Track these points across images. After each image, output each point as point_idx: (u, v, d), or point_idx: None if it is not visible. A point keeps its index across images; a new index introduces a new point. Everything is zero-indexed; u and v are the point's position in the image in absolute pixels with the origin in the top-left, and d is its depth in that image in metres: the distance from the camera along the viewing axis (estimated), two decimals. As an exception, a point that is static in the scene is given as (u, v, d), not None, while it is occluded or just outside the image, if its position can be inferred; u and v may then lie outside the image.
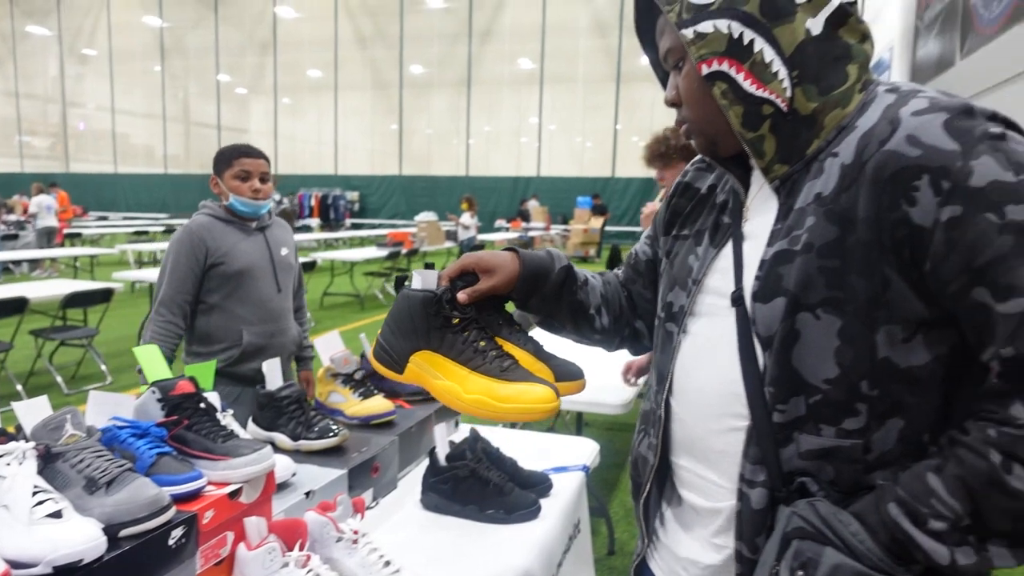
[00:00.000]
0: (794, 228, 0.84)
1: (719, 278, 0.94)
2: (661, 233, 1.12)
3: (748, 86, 0.85)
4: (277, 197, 12.62)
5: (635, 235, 19.47)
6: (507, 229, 17.66)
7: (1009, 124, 0.77)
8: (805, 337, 0.83)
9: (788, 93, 0.84)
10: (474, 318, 1.01)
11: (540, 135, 22.58)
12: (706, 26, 0.85)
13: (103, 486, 1.02)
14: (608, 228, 18.76)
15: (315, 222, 21.27)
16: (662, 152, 2.78)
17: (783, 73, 0.83)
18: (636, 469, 1.07)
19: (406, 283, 1.05)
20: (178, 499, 1.08)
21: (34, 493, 0.95)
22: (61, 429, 1.08)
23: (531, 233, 15.64)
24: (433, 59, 23.30)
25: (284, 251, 2.60)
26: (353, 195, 23.91)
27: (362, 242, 15.62)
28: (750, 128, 0.86)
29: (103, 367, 5.79)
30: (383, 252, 10.41)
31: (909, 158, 0.76)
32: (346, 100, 24.42)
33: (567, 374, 1.05)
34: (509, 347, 1.04)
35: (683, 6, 0.86)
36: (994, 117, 0.77)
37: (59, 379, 5.44)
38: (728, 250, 0.94)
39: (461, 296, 1.01)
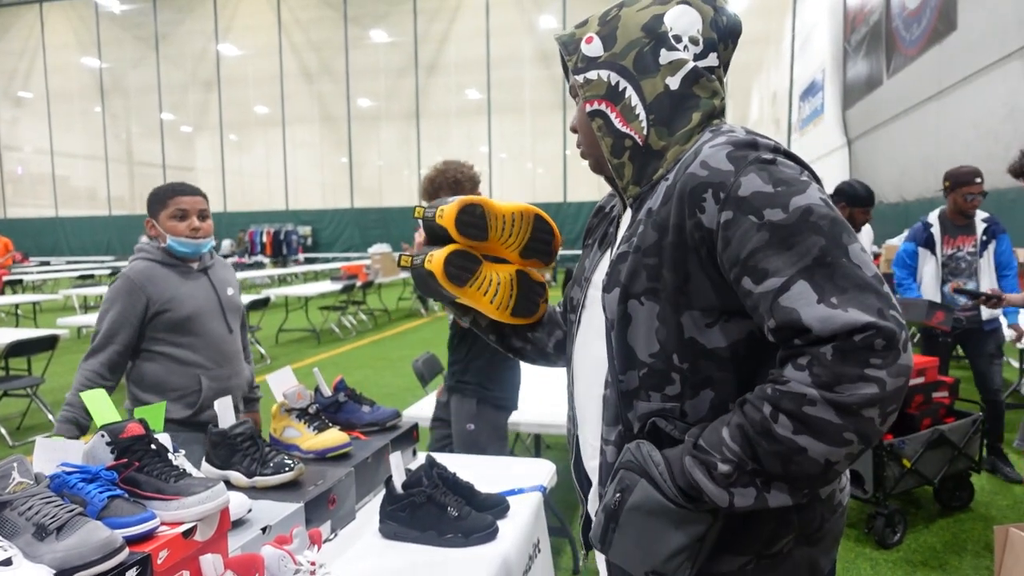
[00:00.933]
0: (632, 235, 1.06)
1: (600, 275, 1.14)
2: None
3: (617, 123, 1.08)
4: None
5: (589, 258, 19.66)
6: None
7: (788, 155, 0.98)
8: (635, 320, 1.03)
9: (644, 132, 1.06)
10: None
11: (491, 163, 22.77)
12: (593, 74, 1.09)
13: (53, 532, 1.01)
14: (562, 252, 18.96)
15: (267, 259, 20.97)
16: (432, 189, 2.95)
17: (643, 116, 1.06)
18: (568, 441, 1.27)
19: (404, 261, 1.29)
20: (131, 540, 1.09)
21: (-18, 542, 0.95)
22: (8, 478, 1.08)
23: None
24: (380, 92, 23.38)
25: (230, 291, 2.53)
26: (305, 230, 23.66)
27: (316, 276, 15.47)
28: (615, 156, 1.09)
29: (50, 416, 5.60)
30: (337, 286, 10.34)
31: (700, 177, 0.97)
32: (294, 134, 24.27)
33: None
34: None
35: (579, 56, 1.11)
36: (775, 149, 0.98)
37: (3, 431, 5.25)
38: (609, 253, 1.15)
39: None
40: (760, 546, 1.02)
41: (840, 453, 0.87)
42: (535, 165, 22.78)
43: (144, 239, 2.46)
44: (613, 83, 1.07)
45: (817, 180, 0.99)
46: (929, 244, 3.99)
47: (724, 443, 0.92)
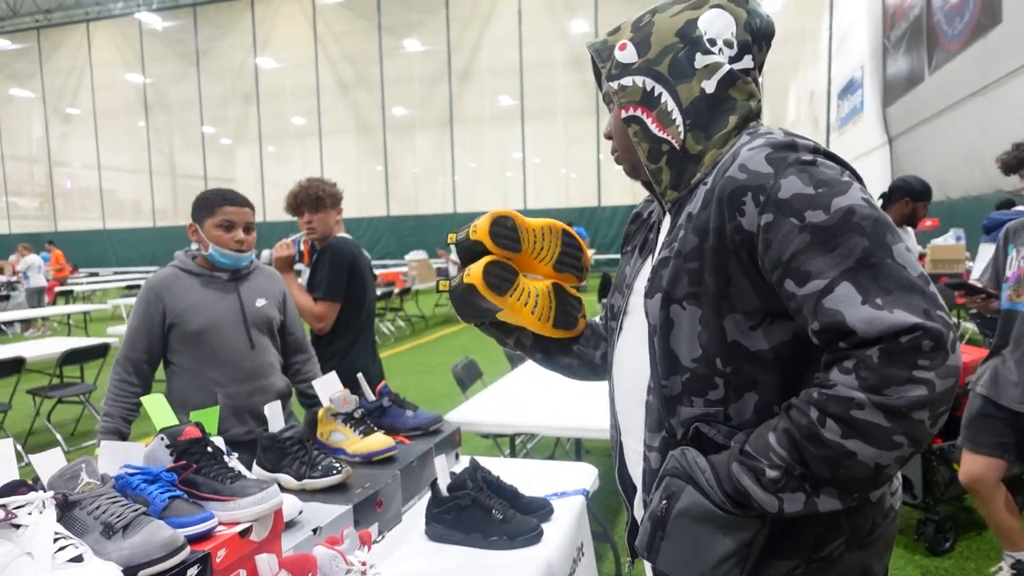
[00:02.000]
0: (673, 240, 1.05)
1: (641, 281, 1.15)
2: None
3: (654, 128, 1.08)
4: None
5: (624, 262, 19.55)
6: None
7: (828, 155, 0.97)
8: (677, 324, 1.03)
9: (681, 136, 1.06)
10: None
11: (524, 169, 22.83)
12: (627, 80, 1.09)
13: (120, 530, 1.06)
14: (597, 256, 18.89)
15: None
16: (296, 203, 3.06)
17: (679, 120, 1.06)
18: (612, 447, 1.26)
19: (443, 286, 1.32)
20: (191, 539, 1.13)
21: (55, 540, 1.00)
22: (77, 478, 1.13)
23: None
24: (415, 100, 23.63)
25: (261, 302, 2.39)
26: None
27: (353, 284, 15.68)
28: (653, 161, 1.09)
29: (100, 423, 5.78)
30: (376, 293, 10.45)
31: (739, 180, 0.96)
32: (331, 145, 24.66)
33: None
34: None
35: (613, 63, 1.11)
36: (814, 150, 0.97)
37: (59, 436, 5.43)
38: (650, 259, 1.15)
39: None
40: (808, 550, 1.01)
41: (890, 456, 0.86)
42: (568, 170, 22.77)
43: (192, 247, 2.46)
44: (648, 88, 1.07)
45: (859, 180, 0.97)
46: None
47: (771, 448, 0.92)
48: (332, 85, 24.33)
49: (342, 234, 3.11)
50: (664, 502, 0.99)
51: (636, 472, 1.16)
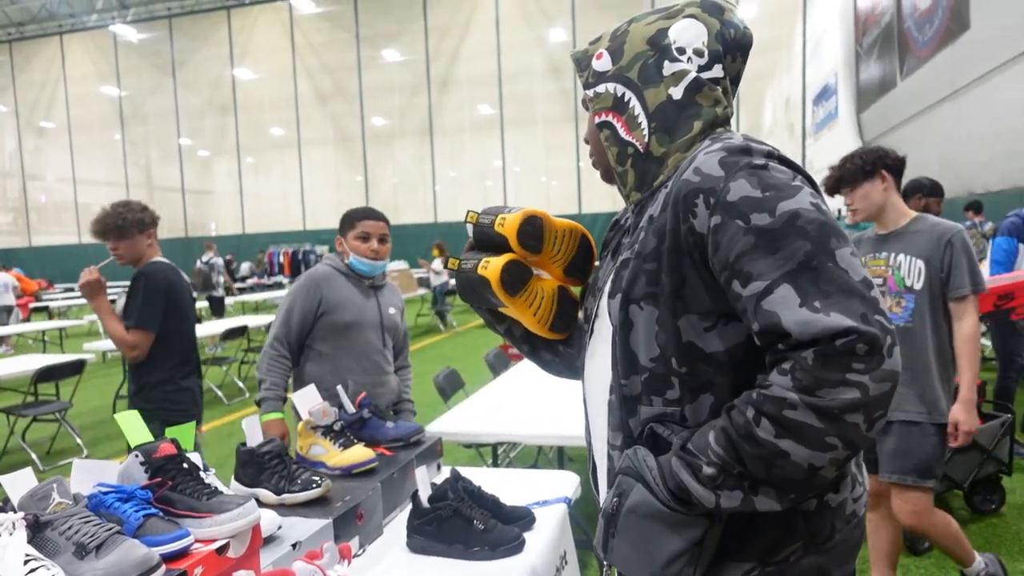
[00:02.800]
0: (634, 242, 1.08)
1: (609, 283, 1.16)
2: None
3: (622, 132, 1.12)
4: (207, 257, 12.38)
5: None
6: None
7: (782, 160, 1.00)
8: (636, 325, 1.05)
9: (646, 139, 1.10)
10: None
11: (505, 177, 22.89)
12: (601, 88, 1.14)
13: (93, 550, 1.04)
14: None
15: (286, 279, 21.16)
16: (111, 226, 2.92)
17: (645, 124, 1.10)
18: (587, 450, 1.27)
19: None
20: (167, 558, 1.11)
21: (26, 562, 0.98)
22: (48, 498, 1.11)
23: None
24: (394, 110, 23.62)
25: (392, 311, 2.76)
26: (323, 249, 23.87)
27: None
28: (620, 164, 1.13)
29: (78, 440, 5.69)
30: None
31: (692, 183, 0.99)
32: (310, 156, 24.57)
33: None
34: None
35: (590, 72, 1.16)
36: (768, 155, 0.99)
37: (33, 456, 5.33)
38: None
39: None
40: (764, 553, 1.01)
41: (824, 458, 0.87)
42: (549, 178, 22.85)
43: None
44: (619, 95, 1.11)
45: (813, 185, 0.99)
46: None
47: (710, 446, 0.93)
48: (310, 96, 24.26)
49: (158, 258, 3.00)
50: (615, 500, 1.01)
51: (603, 471, 1.17)
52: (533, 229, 1.27)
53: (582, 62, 1.17)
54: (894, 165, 2.46)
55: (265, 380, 2.57)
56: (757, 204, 0.93)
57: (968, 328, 2.35)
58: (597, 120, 1.14)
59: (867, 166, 2.45)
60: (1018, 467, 3.92)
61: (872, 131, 13.54)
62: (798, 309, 0.87)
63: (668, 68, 1.08)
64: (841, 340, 0.84)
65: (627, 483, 1.00)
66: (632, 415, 1.07)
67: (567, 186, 22.23)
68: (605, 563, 1.23)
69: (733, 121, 1.15)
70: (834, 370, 0.84)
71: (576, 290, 1.37)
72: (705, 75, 1.09)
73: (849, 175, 2.48)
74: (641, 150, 1.10)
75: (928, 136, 10.42)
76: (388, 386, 2.73)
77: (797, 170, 1.00)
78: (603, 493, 1.18)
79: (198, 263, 12.79)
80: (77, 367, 5.63)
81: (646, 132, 1.09)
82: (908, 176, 2.69)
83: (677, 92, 1.08)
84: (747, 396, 0.92)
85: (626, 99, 1.11)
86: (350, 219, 2.68)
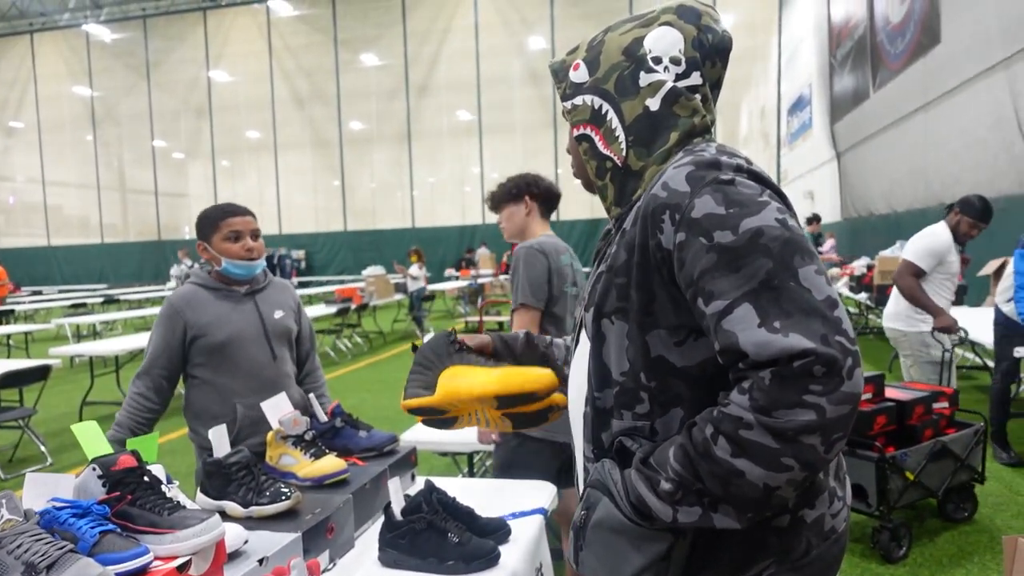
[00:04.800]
0: (608, 255, 1.07)
1: None
2: None
3: (600, 146, 1.10)
4: (188, 264, 12.09)
5: (584, 275, 19.69)
6: (457, 278, 17.68)
7: (752, 174, 0.97)
8: (607, 338, 1.05)
9: (624, 153, 1.08)
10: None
11: (483, 183, 22.87)
12: (579, 100, 1.12)
13: (43, 570, 0.99)
14: (556, 270, 18.95)
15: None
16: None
17: (623, 138, 1.08)
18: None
19: (417, 343, 1.38)
20: (124, 577, 1.06)
21: (-31, 584, 0.92)
22: (-4, 515, 1.05)
23: (480, 280, 15.68)
24: (372, 115, 23.51)
25: (279, 314, 2.46)
26: (299, 253, 23.67)
27: (311, 300, 15.43)
28: (599, 178, 1.12)
29: (43, 448, 5.53)
30: (332, 309, 10.30)
31: (660, 198, 0.97)
32: (287, 159, 24.36)
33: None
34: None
35: (567, 83, 1.14)
36: (737, 169, 0.97)
37: (-6, 465, 5.18)
38: None
39: (467, 341, 1.37)
40: (735, 570, 1.01)
41: (780, 479, 0.86)
42: (527, 184, 22.87)
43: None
44: (596, 107, 1.10)
45: (783, 199, 0.98)
46: None
47: (668, 462, 0.93)
48: (287, 99, 24.07)
49: None
50: (583, 512, 1.01)
51: (581, 483, 1.17)
52: (434, 420, 1.35)
53: (559, 73, 1.16)
54: (539, 193, 2.71)
55: (117, 420, 2.29)
56: (720, 221, 0.92)
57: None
58: (576, 133, 1.13)
59: (514, 190, 2.69)
60: (990, 475, 3.97)
61: (845, 142, 13.74)
62: (756, 329, 0.86)
63: (644, 79, 1.06)
64: (798, 362, 0.83)
65: (595, 496, 1.00)
66: (604, 428, 1.06)
67: (545, 193, 22.26)
68: None
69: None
70: (790, 392, 0.83)
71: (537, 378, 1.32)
72: (682, 83, 1.07)
73: (498, 197, 2.73)
74: (619, 164, 1.08)
75: (900, 147, 10.59)
76: (291, 402, 2.43)
77: (767, 184, 0.98)
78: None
79: (176, 270, 12.54)
80: (42, 372, 5.48)
81: (623, 146, 1.08)
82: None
83: (654, 103, 1.06)
84: (707, 414, 0.92)
85: (603, 111, 1.09)
86: (211, 219, 2.33)
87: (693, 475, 0.90)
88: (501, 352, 1.40)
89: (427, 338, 1.35)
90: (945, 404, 3.50)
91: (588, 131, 1.11)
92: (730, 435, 0.87)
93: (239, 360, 2.33)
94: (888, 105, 10.91)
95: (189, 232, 25.83)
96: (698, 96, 1.08)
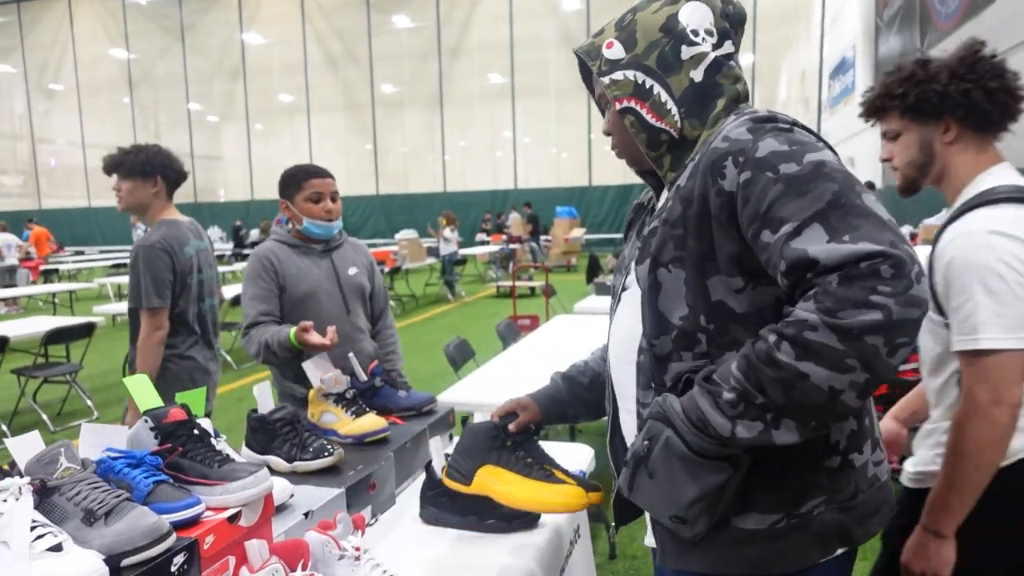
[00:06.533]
0: (663, 211, 1.11)
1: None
2: None
3: (649, 119, 1.14)
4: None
5: (614, 242, 19.54)
6: (487, 242, 17.67)
7: (806, 130, 1.04)
8: (664, 287, 1.09)
9: (679, 124, 1.13)
10: (520, 442, 1.43)
11: (515, 148, 22.68)
12: (618, 75, 1.15)
13: (101, 517, 1.01)
14: (588, 236, 18.83)
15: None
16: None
17: (675, 110, 1.13)
18: (607, 419, 1.32)
19: (470, 419, 1.39)
20: (178, 526, 1.08)
21: (32, 528, 0.95)
22: (55, 463, 1.08)
23: (512, 245, 15.65)
24: (404, 77, 23.36)
25: (353, 271, 2.56)
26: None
27: (343, 263, 15.62)
28: (652, 149, 1.16)
29: (89, 402, 5.71)
30: None
31: (720, 149, 1.03)
32: (319, 122, 24.38)
33: (587, 486, 1.38)
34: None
35: (602, 60, 1.17)
36: (794, 123, 1.03)
37: (44, 417, 5.36)
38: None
39: (511, 427, 1.43)
40: (789, 505, 1.04)
41: (844, 380, 0.86)
42: (559, 150, 22.64)
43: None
44: (639, 81, 1.14)
45: (833, 151, 1.03)
46: None
47: (731, 373, 0.95)
48: (320, 62, 24.01)
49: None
50: (646, 443, 1.04)
51: (629, 432, 1.20)
52: None
53: (591, 53, 1.19)
54: (172, 176, 2.80)
55: (265, 334, 2.31)
56: (785, 156, 0.96)
57: None
58: (619, 106, 1.15)
59: (147, 166, 2.75)
60: None
61: (890, 106, 13.28)
62: (826, 244, 0.88)
63: (686, 52, 1.12)
64: (867, 263, 0.85)
65: (657, 428, 1.03)
66: (664, 372, 1.10)
67: (578, 158, 22.02)
68: (616, 529, 1.24)
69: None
70: (858, 291, 0.84)
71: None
72: (719, 53, 1.13)
73: (125, 165, 2.80)
74: (676, 135, 1.13)
75: (948, 112, 10.21)
76: (363, 354, 2.50)
77: (819, 139, 1.04)
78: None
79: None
80: (87, 329, 5.63)
81: (677, 118, 1.13)
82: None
83: (698, 75, 1.12)
84: (772, 326, 0.94)
85: (648, 86, 1.13)
86: (295, 179, 2.45)
87: (756, 385, 0.92)
88: (551, 415, 1.47)
89: (477, 418, 1.49)
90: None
91: (632, 104, 1.14)
92: (794, 338, 0.88)
93: (316, 313, 2.39)
94: (937, 68, 10.49)
95: (224, 194, 26.13)
96: (734, 63, 1.15)
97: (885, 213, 0.91)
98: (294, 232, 2.50)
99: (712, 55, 1.12)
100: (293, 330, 2.21)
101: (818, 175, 0.93)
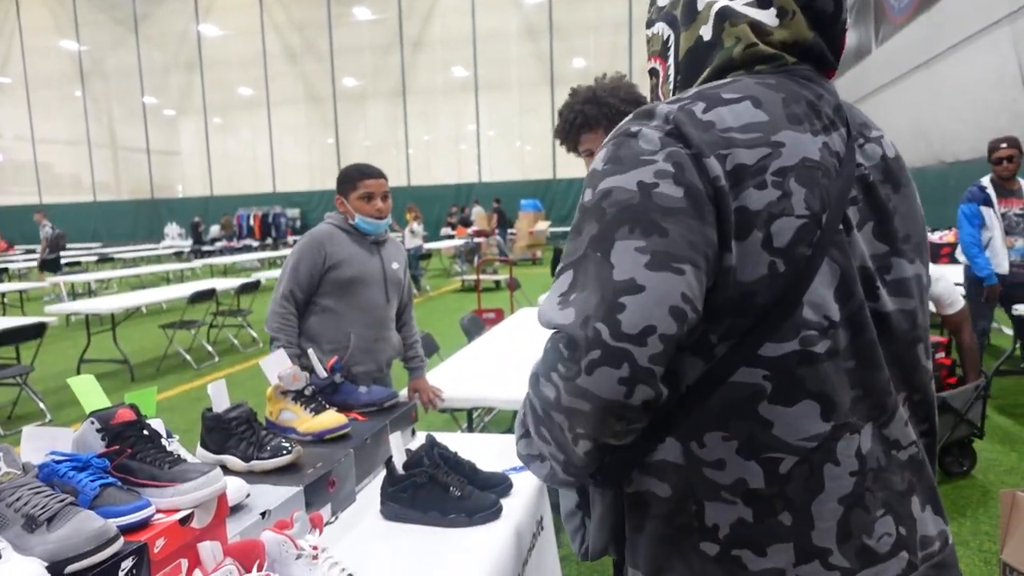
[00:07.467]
0: None
1: None
2: None
3: (659, 87, 0.98)
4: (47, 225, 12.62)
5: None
6: (452, 236, 17.62)
7: (680, 131, 0.79)
8: None
9: (672, 95, 0.95)
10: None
11: (479, 141, 22.62)
12: (656, 28, 0.97)
13: (44, 523, 0.97)
14: (552, 229, 18.89)
15: (256, 242, 20.82)
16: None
17: (672, 76, 0.95)
18: None
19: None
20: (126, 530, 1.04)
21: (-31, 536, 0.91)
22: (-6, 468, 1.03)
23: (477, 239, 15.62)
24: (366, 70, 23.11)
25: (395, 265, 2.77)
26: (294, 212, 23.49)
27: (306, 259, 15.43)
28: None
29: (41, 405, 5.54)
30: None
31: None
32: (280, 116, 24.00)
33: None
34: None
35: (654, 8, 0.99)
36: (666, 120, 0.80)
37: (-8, 422, 5.19)
38: None
39: None
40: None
41: (541, 447, 0.84)
42: (523, 143, 22.64)
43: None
44: (665, 37, 0.95)
45: (696, 160, 0.78)
46: (988, 204, 4.48)
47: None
48: (280, 54, 23.62)
49: None
50: None
51: None
52: None
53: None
54: None
55: (279, 338, 2.55)
56: (591, 178, 0.84)
57: None
58: (649, 65, 1.01)
59: None
60: (987, 430, 4.00)
61: (847, 98, 13.50)
62: (555, 297, 0.80)
63: (702, 1, 0.91)
64: (553, 336, 0.79)
65: None
66: None
67: (542, 152, 22.05)
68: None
69: None
70: (544, 364, 0.79)
71: None
72: (736, 4, 0.88)
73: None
74: None
75: (901, 104, 10.47)
76: (390, 343, 2.73)
77: (685, 140, 0.79)
78: None
79: (43, 232, 12.70)
80: (38, 330, 5.45)
81: (671, 87, 0.95)
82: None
83: (707, 31, 0.90)
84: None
85: (669, 44, 0.95)
86: (351, 178, 2.64)
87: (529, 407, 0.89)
88: None
89: None
90: (943, 354, 3.53)
91: (656, 64, 0.98)
92: (530, 386, 0.84)
93: (361, 296, 2.61)
94: (890, 61, 10.75)
95: (182, 190, 25.58)
96: (745, 21, 0.87)
97: (628, 271, 0.75)
98: (346, 221, 2.68)
99: (722, 3, 0.88)
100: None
101: (593, 212, 0.80)
